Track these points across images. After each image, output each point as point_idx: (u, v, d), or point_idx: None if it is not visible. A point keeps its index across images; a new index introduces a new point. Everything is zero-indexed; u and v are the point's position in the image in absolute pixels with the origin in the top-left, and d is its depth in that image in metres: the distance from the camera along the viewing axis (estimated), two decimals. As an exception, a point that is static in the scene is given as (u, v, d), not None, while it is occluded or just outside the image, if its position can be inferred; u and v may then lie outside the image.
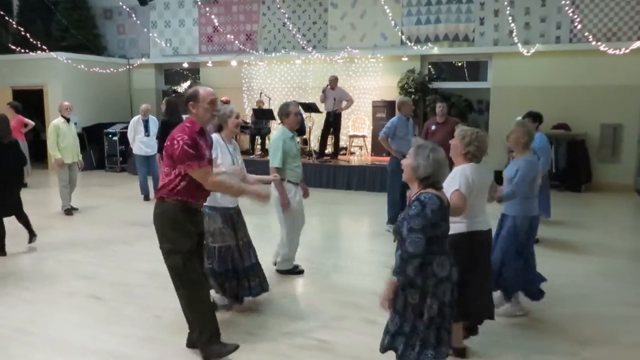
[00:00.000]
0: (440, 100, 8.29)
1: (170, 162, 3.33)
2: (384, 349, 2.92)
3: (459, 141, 3.59)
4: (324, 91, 11.19)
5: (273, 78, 13.84)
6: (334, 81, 11.19)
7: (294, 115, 5.13)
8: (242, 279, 4.35)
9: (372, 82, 12.80)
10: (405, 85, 11.98)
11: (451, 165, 3.57)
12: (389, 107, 11.84)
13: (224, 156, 4.12)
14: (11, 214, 6.31)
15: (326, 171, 10.79)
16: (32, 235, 6.50)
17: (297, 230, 5.33)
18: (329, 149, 11.77)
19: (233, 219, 4.29)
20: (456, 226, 3.54)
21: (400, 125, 7.38)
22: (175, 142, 3.25)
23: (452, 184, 3.50)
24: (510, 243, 4.34)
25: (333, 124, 11.17)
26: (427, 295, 2.74)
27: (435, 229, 2.71)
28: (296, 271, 5.45)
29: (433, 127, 7.69)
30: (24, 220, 6.45)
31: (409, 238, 2.67)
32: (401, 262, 2.71)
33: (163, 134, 7.89)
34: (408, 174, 2.88)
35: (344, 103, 11.10)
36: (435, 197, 2.73)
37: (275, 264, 5.56)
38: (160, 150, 7.88)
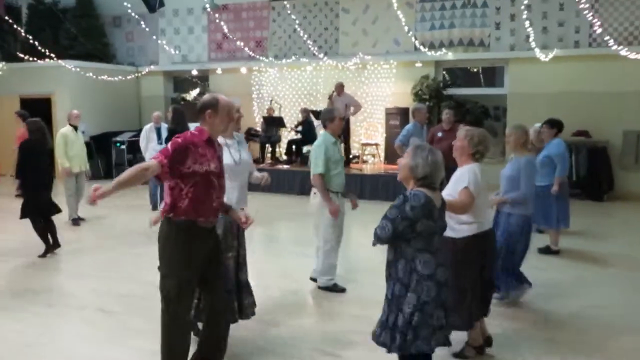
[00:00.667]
0: (448, 107, 8.34)
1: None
2: (375, 337, 3.02)
3: (467, 141, 3.65)
4: (330, 98, 11.27)
5: (283, 85, 13.90)
6: (340, 87, 11.25)
7: (338, 121, 5.15)
8: (242, 294, 4.12)
9: (385, 89, 12.80)
10: (419, 92, 11.97)
11: (451, 168, 3.63)
12: (403, 114, 11.85)
13: (225, 153, 3.87)
14: (45, 215, 6.53)
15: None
16: (47, 251, 6.63)
17: (337, 243, 5.24)
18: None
19: (238, 228, 3.99)
20: (467, 228, 3.60)
21: (415, 132, 7.48)
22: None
23: (461, 182, 3.55)
24: (506, 242, 4.51)
25: (344, 131, 11.20)
26: (408, 291, 2.84)
27: (416, 225, 2.79)
28: (337, 288, 5.30)
29: (439, 134, 7.77)
30: (50, 230, 6.63)
31: (380, 222, 2.84)
32: (374, 233, 2.89)
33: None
34: (404, 173, 2.95)
35: (352, 109, 11.15)
36: (423, 195, 2.81)
37: (312, 279, 5.51)
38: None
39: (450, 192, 3.57)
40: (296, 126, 12.42)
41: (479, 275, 3.68)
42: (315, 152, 5.07)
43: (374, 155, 12.68)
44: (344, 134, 11.25)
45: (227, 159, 3.85)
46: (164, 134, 9.31)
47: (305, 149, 12.44)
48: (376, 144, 12.52)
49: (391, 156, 11.54)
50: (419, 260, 2.85)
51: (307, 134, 11.96)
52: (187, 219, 3.19)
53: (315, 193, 5.13)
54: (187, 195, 3.16)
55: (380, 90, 12.86)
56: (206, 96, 3.35)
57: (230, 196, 3.85)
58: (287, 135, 13.23)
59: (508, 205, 4.63)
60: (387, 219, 2.83)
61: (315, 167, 5.04)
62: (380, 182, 10.61)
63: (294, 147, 12.28)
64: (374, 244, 2.94)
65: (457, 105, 11.39)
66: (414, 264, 2.85)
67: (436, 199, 2.91)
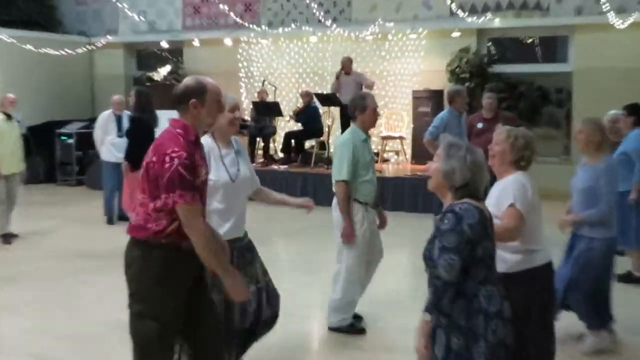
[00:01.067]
0: (491, 89, 8.27)
1: (152, 186, 3.12)
2: None
3: (510, 144, 3.63)
4: (337, 78, 11.32)
5: (280, 61, 13.88)
6: (347, 63, 11.28)
7: (371, 112, 5.13)
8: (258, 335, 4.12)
9: (412, 66, 12.77)
10: (457, 70, 11.93)
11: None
12: (435, 98, 11.84)
13: (217, 169, 3.87)
14: None
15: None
16: None
17: (360, 270, 5.18)
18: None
19: (241, 257, 3.98)
20: (522, 260, 3.56)
21: (451, 123, 7.44)
22: (167, 158, 3.04)
23: (505, 198, 3.52)
24: (583, 271, 4.59)
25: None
26: (478, 338, 2.76)
27: (476, 249, 2.77)
28: (354, 329, 5.23)
29: (480, 125, 7.80)
30: None
31: (441, 260, 2.73)
32: (434, 293, 2.78)
33: (133, 136, 7.87)
34: (438, 181, 2.91)
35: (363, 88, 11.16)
36: (474, 209, 2.79)
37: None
38: (129, 157, 7.85)
39: (493, 212, 3.48)
40: (296, 114, 12.36)
41: (541, 321, 3.63)
42: (340, 153, 5.05)
43: (397, 153, 12.63)
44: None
45: (220, 175, 3.83)
46: (126, 124, 9.31)
47: (307, 143, 12.35)
48: (400, 138, 12.43)
49: (420, 153, 11.46)
50: (483, 295, 2.79)
51: (310, 125, 11.94)
52: (170, 241, 3.16)
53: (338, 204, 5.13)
54: (176, 218, 3.14)
55: (406, 67, 12.79)
56: (189, 80, 3.28)
57: (222, 223, 3.81)
58: (285, 125, 13.16)
59: (587, 227, 4.62)
60: (448, 251, 2.71)
61: (339, 172, 5.02)
62: (406, 187, 10.51)
63: (293, 141, 12.22)
64: (431, 304, 2.77)
65: (506, 87, 11.37)
66: (477, 302, 2.77)
67: (484, 210, 2.88)
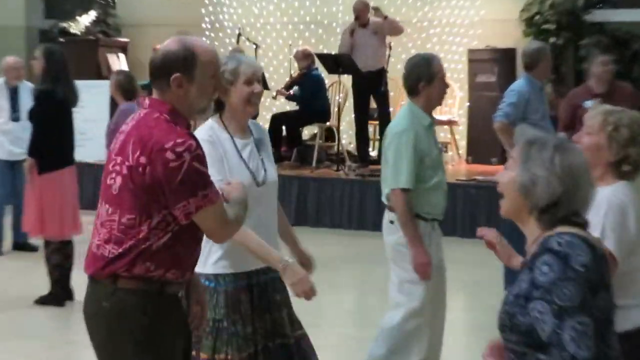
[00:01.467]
0: (602, 50, 8.13)
1: (148, 199, 3.20)
2: None
3: (607, 136, 3.61)
4: (352, 33, 11.43)
5: (265, 7, 14.04)
6: (363, 10, 11.47)
7: (441, 82, 5.25)
8: None
9: (466, 12, 12.96)
10: (537, 19, 11.98)
11: None
12: (503, 61, 12.03)
13: (233, 165, 3.98)
14: None
15: (371, 195, 10.74)
16: None
17: (424, 319, 5.28)
18: (372, 149, 11.97)
19: (263, 298, 4.16)
20: (621, 317, 3.47)
21: (533, 98, 7.39)
22: (170, 154, 3.12)
23: (593, 226, 3.35)
24: None
25: (377, 94, 11.31)
26: None
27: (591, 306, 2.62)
28: None
29: (588, 104, 7.57)
30: None
31: (566, 332, 2.53)
32: None
33: (40, 120, 7.82)
34: (513, 200, 2.77)
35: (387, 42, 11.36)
36: (579, 240, 2.62)
37: None
38: (35, 151, 7.77)
39: None
40: (288, 86, 12.41)
41: None
42: (396, 147, 5.15)
43: (446, 146, 12.49)
44: (381, 102, 11.46)
45: (240, 171, 3.96)
46: (25, 102, 9.33)
47: (307, 131, 12.31)
48: (450, 123, 12.50)
49: (481, 147, 11.58)
50: None
51: (311, 102, 11.99)
52: (157, 275, 3.27)
53: (392, 222, 5.19)
54: (169, 228, 3.27)
55: (458, 15, 13.01)
56: (171, 45, 3.34)
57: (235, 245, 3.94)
58: (271, 104, 13.26)
59: None
60: (571, 313, 2.54)
61: (396, 176, 5.10)
62: (460, 199, 10.63)
63: (284, 128, 12.28)
64: None
65: (612, 44, 11.46)
66: None
67: (595, 242, 2.72)
